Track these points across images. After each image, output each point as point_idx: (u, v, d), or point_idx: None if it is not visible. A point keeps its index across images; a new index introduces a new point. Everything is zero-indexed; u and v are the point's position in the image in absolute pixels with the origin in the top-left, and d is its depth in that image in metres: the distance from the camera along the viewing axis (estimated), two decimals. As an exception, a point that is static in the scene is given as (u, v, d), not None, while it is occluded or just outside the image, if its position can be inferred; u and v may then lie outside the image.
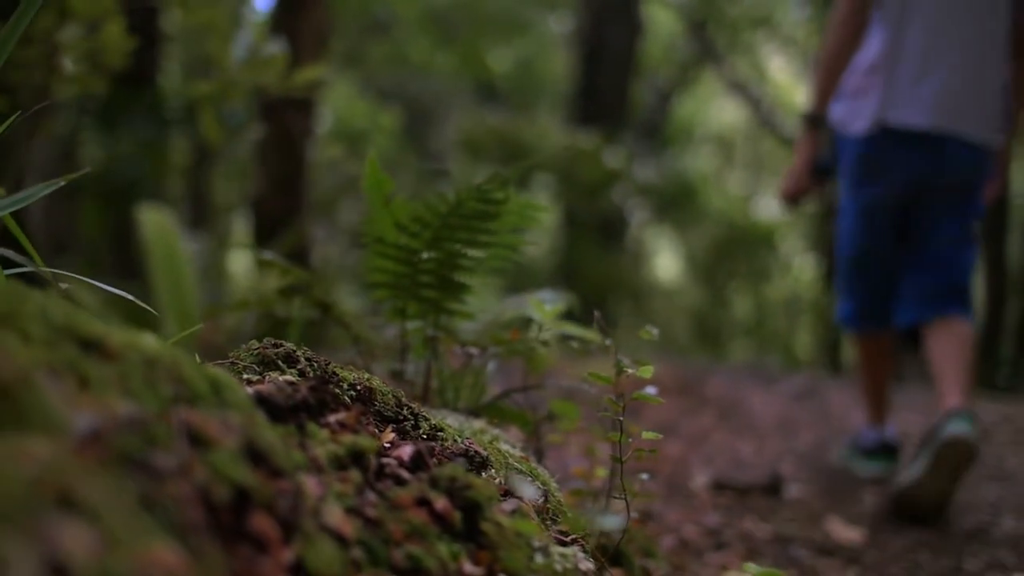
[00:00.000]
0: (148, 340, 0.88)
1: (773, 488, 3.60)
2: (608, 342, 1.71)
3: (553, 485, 1.54)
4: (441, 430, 1.36)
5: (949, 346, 3.60)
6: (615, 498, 1.61)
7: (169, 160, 5.49)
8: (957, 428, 3.16)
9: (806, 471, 3.99)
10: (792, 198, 4.03)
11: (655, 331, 1.69)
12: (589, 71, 13.40)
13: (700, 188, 18.17)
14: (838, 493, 3.64)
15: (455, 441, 1.36)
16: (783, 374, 8.59)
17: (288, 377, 1.21)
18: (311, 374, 1.26)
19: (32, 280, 1.25)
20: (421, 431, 1.33)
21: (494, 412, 1.92)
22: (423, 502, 1.03)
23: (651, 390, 1.65)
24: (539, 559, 1.10)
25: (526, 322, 2.02)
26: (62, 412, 0.71)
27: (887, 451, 3.99)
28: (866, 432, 4.07)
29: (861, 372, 4.13)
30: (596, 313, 1.71)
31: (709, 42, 17.65)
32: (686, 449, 4.31)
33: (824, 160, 3.97)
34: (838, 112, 3.87)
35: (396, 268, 1.82)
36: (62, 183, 1.34)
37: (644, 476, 1.70)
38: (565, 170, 9.77)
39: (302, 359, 1.28)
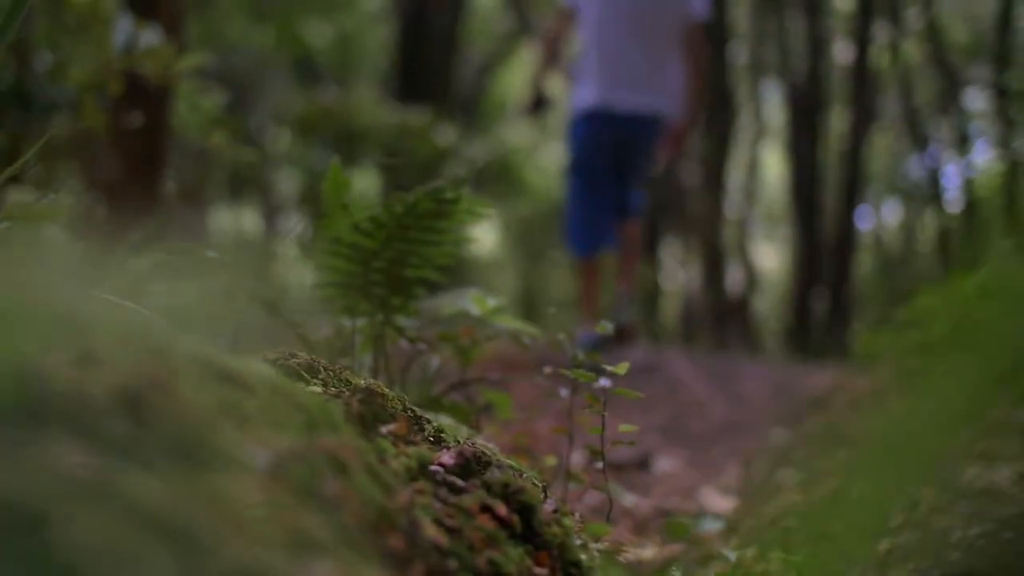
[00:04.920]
0: (264, 367, 0.89)
1: (644, 464, 3.75)
2: (561, 337, 1.78)
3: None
4: (443, 431, 1.40)
5: (623, 244, 6.37)
6: (596, 488, 1.68)
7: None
8: (624, 317, 6.17)
9: (669, 445, 4.17)
10: (526, 112, 6.69)
11: (609, 325, 1.77)
12: (411, 47, 13.37)
13: (514, 161, 18.36)
14: (703, 466, 3.82)
15: (456, 442, 1.40)
16: (616, 347, 8.81)
17: (314, 388, 1.23)
18: (331, 384, 1.28)
19: None
20: (426, 433, 1.37)
21: (437, 405, 1.97)
22: (485, 508, 1.08)
23: (605, 382, 1.74)
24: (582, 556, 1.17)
25: (465, 317, 2.06)
26: (242, 450, 0.73)
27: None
28: (585, 334, 5.49)
29: (583, 288, 6.37)
30: (551, 309, 1.78)
31: (526, 15, 17.87)
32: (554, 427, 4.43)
33: (544, 96, 6.49)
34: (575, 97, 6.22)
35: (349, 267, 1.84)
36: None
37: (599, 465, 1.78)
38: (394, 148, 9.77)
39: (322, 369, 1.30)
